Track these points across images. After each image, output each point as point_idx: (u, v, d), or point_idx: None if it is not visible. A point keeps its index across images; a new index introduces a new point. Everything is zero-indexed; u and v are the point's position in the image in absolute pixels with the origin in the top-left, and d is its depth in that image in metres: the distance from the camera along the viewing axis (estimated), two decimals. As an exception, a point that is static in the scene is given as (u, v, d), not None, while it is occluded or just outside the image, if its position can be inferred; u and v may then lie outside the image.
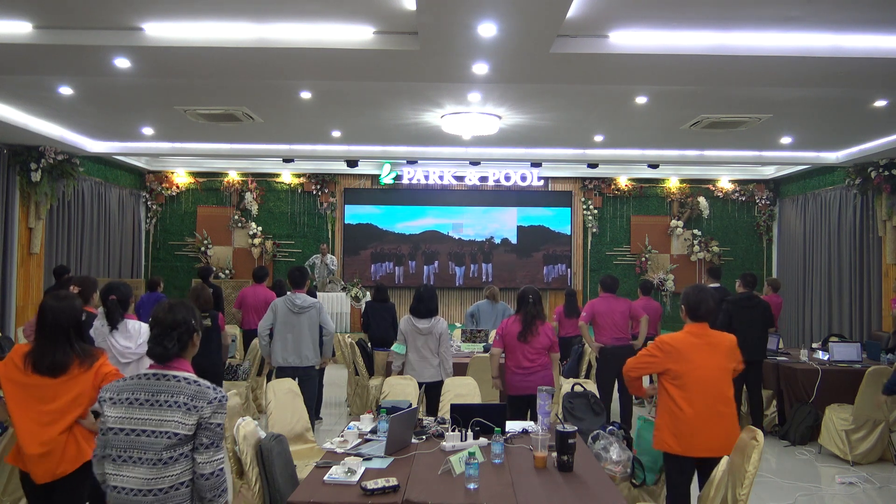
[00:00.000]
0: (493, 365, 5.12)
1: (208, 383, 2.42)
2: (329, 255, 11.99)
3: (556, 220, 12.95)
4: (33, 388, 2.96)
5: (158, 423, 2.31)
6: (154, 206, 12.80)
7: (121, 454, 2.33)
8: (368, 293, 11.58)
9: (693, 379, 3.46)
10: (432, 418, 4.22)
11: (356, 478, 3.01)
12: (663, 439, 3.53)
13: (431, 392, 5.26)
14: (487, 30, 4.90)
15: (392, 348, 5.50)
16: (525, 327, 4.93)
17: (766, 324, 6.55)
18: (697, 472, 3.56)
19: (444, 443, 3.57)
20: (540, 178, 12.79)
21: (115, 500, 2.34)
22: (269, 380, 7.15)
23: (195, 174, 12.89)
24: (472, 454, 3.07)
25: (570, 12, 4.71)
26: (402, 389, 4.81)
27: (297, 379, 5.01)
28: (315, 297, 6.12)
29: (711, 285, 6.97)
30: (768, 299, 8.66)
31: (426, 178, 12.72)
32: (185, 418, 2.32)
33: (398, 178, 12.68)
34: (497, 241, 12.93)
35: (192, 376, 2.43)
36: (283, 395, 4.50)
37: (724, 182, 12.90)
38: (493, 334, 7.78)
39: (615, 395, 6.81)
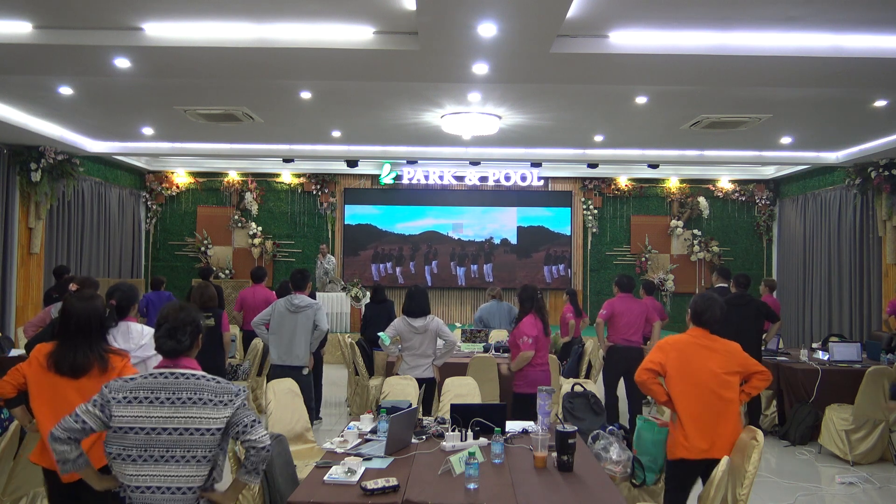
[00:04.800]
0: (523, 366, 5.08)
1: (221, 379, 2.47)
2: (328, 256, 11.96)
3: (556, 220, 12.95)
4: (57, 388, 2.97)
5: (183, 420, 2.33)
6: (154, 206, 12.81)
7: (140, 454, 2.32)
8: (368, 293, 11.58)
9: (693, 380, 3.47)
10: (432, 418, 4.22)
11: (356, 478, 3.00)
12: (674, 443, 3.49)
13: (427, 392, 5.27)
14: (487, 30, 4.90)
15: (379, 334, 5.55)
16: (545, 323, 5.02)
17: (759, 322, 6.54)
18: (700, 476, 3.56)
19: (444, 443, 3.57)
20: (540, 178, 12.79)
21: (139, 499, 2.33)
22: (268, 380, 7.16)
23: (195, 174, 12.90)
24: (472, 454, 3.07)
25: (570, 12, 4.71)
26: (402, 389, 4.81)
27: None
28: (314, 298, 6.13)
29: (719, 285, 6.98)
30: (764, 300, 8.66)
31: (426, 178, 12.72)
32: (217, 412, 2.36)
33: (398, 178, 12.68)
34: (497, 241, 12.93)
35: (206, 374, 2.46)
36: (283, 395, 4.49)
37: (724, 182, 12.90)
38: (494, 334, 7.81)
39: (620, 396, 6.79)
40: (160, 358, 2.52)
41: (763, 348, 7.16)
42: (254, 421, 2.43)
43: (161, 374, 2.41)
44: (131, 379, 2.40)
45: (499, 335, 7.83)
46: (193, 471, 2.34)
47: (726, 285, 7.05)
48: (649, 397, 7.95)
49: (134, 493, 2.33)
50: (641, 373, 3.53)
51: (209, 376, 2.44)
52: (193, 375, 2.42)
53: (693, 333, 3.61)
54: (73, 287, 4.67)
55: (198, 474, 2.35)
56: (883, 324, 8.58)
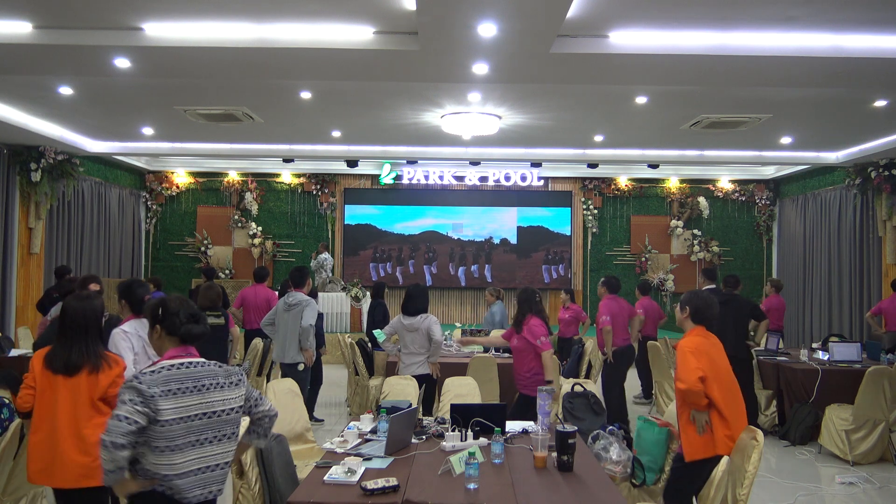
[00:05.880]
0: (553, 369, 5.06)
1: (221, 363, 2.66)
2: (321, 255, 11.94)
3: (555, 220, 12.95)
4: (52, 386, 3.01)
5: (210, 404, 2.50)
6: (154, 206, 12.81)
7: (183, 442, 2.43)
8: (368, 293, 11.59)
9: (723, 381, 3.48)
10: (432, 418, 4.22)
11: (356, 478, 3.01)
12: (718, 441, 3.42)
13: (425, 390, 5.28)
14: (487, 30, 4.90)
15: (374, 331, 5.62)
16: (547, 324, 5.01)
17: (745, 320, 6.55)
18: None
19: (444, 443, 3.57)
20: (540, 178, 12.79)
21: (185, 485, 2.42)
22: (269, 380, 7.17)
23: (195, 174, 12.90)
24: (472, 454, 3.07)
25: (570, 12, 4.71)
26: (402, 389, 4.81)
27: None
28: (315, 297, 6.16)
29: (707, 287, 6.99)
30: (769, 300, 8.67)
31: (426, 178, 12.72)
32: (235, 392, 2.59)
33: (398, 178, 12.68)
34: (496, 241, 12.93)
35: (208, 360, 2.64)
36: (283, 395, 4.49)
37: (724, 182, 12.90)
38: (495, 333, 7.79)
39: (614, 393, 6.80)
40: None
41: (760, 348, 7.19)
42: (260, 393, 2.74)
43: (181, 363, 2.51)
44: (154, 372, 2.44)
45: (499, 335, 7.81)
46: (226, 447, 2.55)
47: (714, 286, 7.07)
48: (651, 396, 7.97)
49: (181, 480, 2.42)
50: (695, 382, 3.36)
51: (212, 362, 2.61)
52: (203, 363, 2.57)
53: (702, 334, 3.58)
54: (94, 287, 4.67)
55: (230, 449, 2.57)
56: (869, 317, 8.55)
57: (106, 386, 3.06)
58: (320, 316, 7.09)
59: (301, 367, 5.80)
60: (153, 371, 2.44)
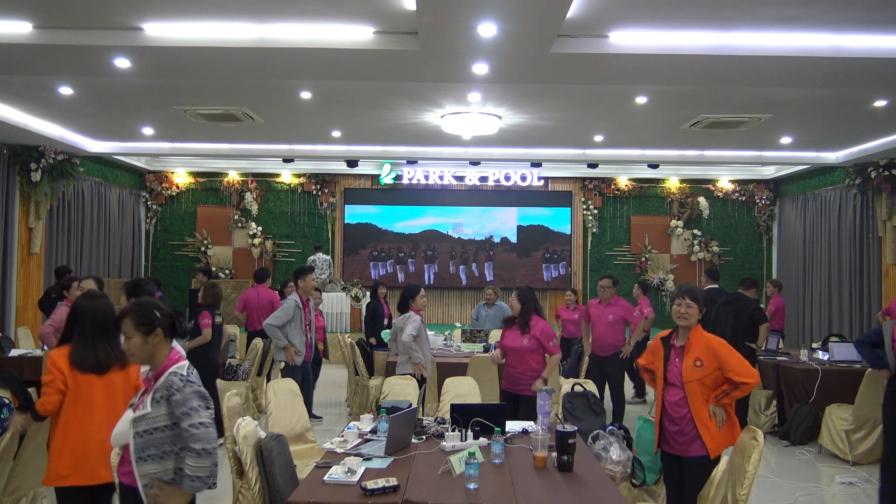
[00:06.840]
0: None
1: None
2: (314, 255, 11.95)
3: (555, 219, 12.95)
4: (88, 386, 3.02)
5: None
6: (154, 206, 12.81)
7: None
8: (368, 293, 11.59)
9: None
10: (432, 418, 4.22)
11: (356, 478, 3.01)
12: (737, 432, 3.48)
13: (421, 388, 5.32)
14: (487, 30, 4.90)
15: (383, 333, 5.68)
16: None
17: (743, 321, 6.52)
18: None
19: (444, 443, 3.57)
20: (540, 178, 12.79)
21: (194, 487, 2.44)
22: (269, 380, 7.18)
23: (195, 174, 12.90)
24: (472, 454, 3.07)
25: (570, 12, 4.71)
26: (402, 389, 4.81)
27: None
28: (314, 294, 6.23)
29: (709, 286, 6.98)
30: (774, 301, 8.69)
31: (426, 178, 12.72)
32: None
33: (398, 178, 12.68)
34: (496, 240, 12.93)
35: None
36: (283, 395, 4.49)
37: (724, 182, 12.90)
38: (494, 334, 7.79)
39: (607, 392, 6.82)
40: None
41: (759, 350, 7.19)
42: None
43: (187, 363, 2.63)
44: (191, 373, 2.54)
45: (499, 335, 7.81)
46: None
47: (717, 286, 7.07)
48: (648, 397, 7.98)
49: (194, 483, 2.43)
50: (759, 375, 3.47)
51: None
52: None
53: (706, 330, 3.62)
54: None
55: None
56: (880, 317, 8.56)
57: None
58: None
59: (282, 364, 5.85)
60: (189, 371, 2.51)
